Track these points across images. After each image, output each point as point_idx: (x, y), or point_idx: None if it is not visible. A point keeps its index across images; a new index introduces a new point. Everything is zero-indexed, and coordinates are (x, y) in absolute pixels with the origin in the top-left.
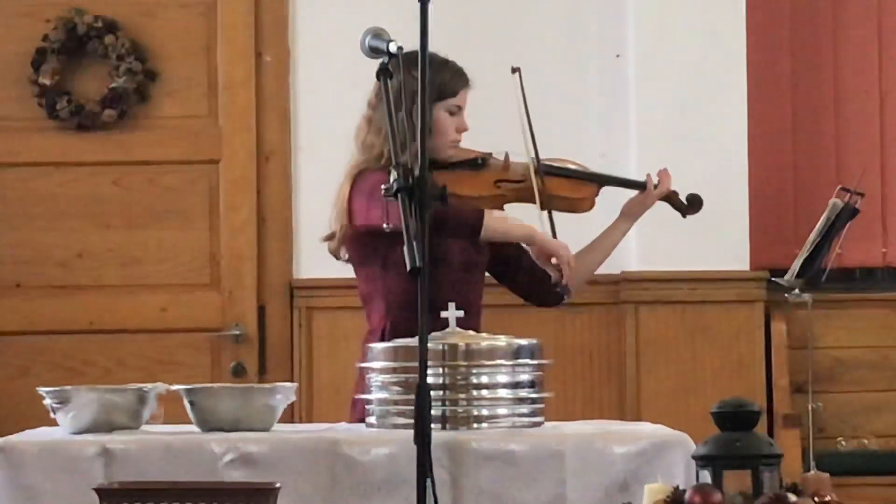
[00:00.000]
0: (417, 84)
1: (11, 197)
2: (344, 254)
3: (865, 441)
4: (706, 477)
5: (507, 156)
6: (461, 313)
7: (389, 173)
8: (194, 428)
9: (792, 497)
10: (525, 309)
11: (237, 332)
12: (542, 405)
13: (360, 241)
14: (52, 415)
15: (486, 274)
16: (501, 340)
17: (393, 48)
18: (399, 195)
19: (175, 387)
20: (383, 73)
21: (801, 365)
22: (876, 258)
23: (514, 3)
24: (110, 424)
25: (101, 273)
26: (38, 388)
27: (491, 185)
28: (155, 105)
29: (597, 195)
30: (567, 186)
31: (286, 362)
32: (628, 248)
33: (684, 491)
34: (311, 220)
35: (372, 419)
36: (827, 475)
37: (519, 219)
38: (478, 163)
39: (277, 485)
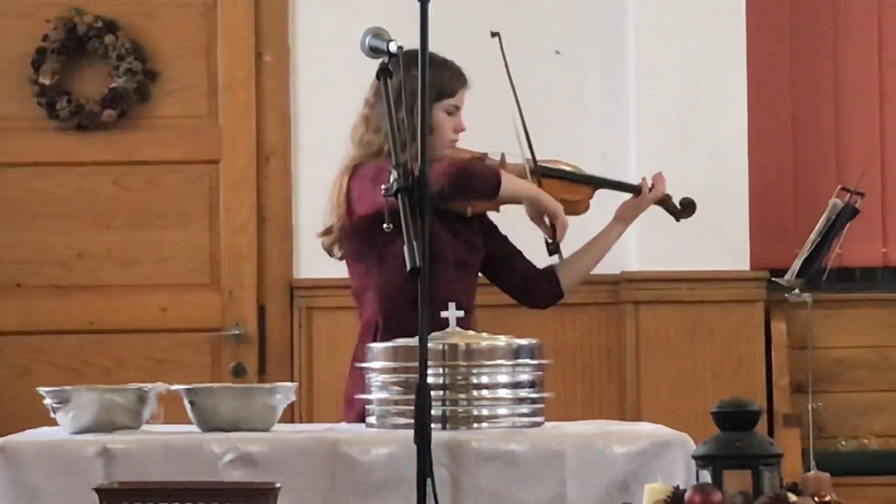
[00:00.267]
0: (416, 83)
1: (11, 197)
2: (338, 251)
3: (865, 441)
4: (706, 477)
5: (503, 157)
6: (461, 313)
7: (390, 173)
8: (194, 428)
9: (792, 497)
10: (525, 309)
11: (237, 332)
12: (542, 405)
13: (357, 233)
14: (52, 415)
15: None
16: (501, 340)
17: (393, 48)
18: (399, 195)
19: (175, 387)
20: (383, 73)
21: (801, 365)
22: (876, 258)
23: (514, 3)
24: (110, 424)
25: (101, 273)
26: (38, 388)
27: None
28: (155, 105)
29: (591, 197)
30: (562, 188)
31: (286, 362)
32: (628, 248)
33: (684, 491)
34: (311, 220)
35: (372, 419)
36: (827, 475)
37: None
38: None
39: (277, 485)
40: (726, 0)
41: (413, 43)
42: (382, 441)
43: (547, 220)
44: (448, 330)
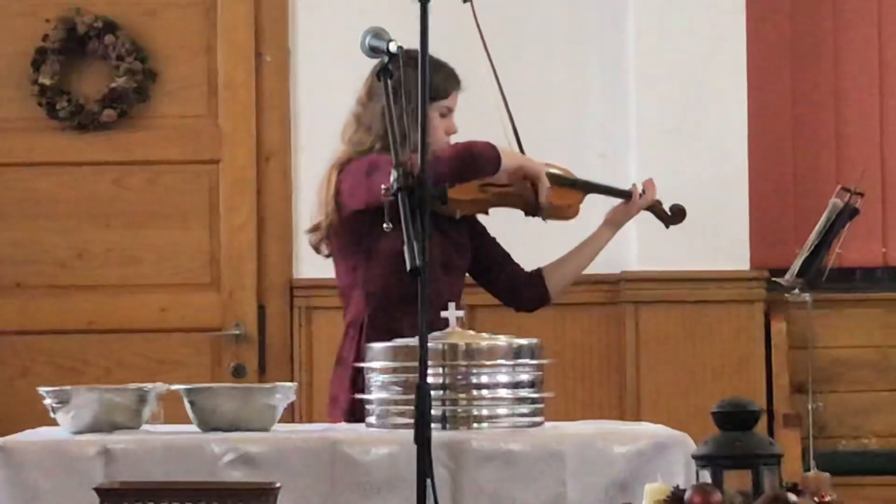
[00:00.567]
0: (411, 83)
1: (11, 197)
2: (325, 248)
3: (865, 441)
4: (706, 477)
5: None
6: (461, 313)
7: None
8: (194, 428)
9: (792, 497)
10: None
11: (237, 332)
12: (542, 405)
13: (345, 230)
14: (52, 415)
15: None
16: (501, 340)
17: (393, 48)
18: (399, 195)
19: (175, 387)
20: (383, 73)
21: (801, 365)
22: (876, 258)
23: (514, 3)
24: (110, 424)
25: (101, 273)
26: (38, 388)
27: (476, 189)
28: (155, 105)
29: (581, 202)
30: (553, 193)
31: (286, 362)
32: (628, 248)
33: (684, 491)
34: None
35: (372, 419)
36: (827, 475)
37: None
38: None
39: (277, 485)
40: (726, 0)
41: (413, 43)
42: (382, 441)
43: (528, 182)
44: (448, 330)
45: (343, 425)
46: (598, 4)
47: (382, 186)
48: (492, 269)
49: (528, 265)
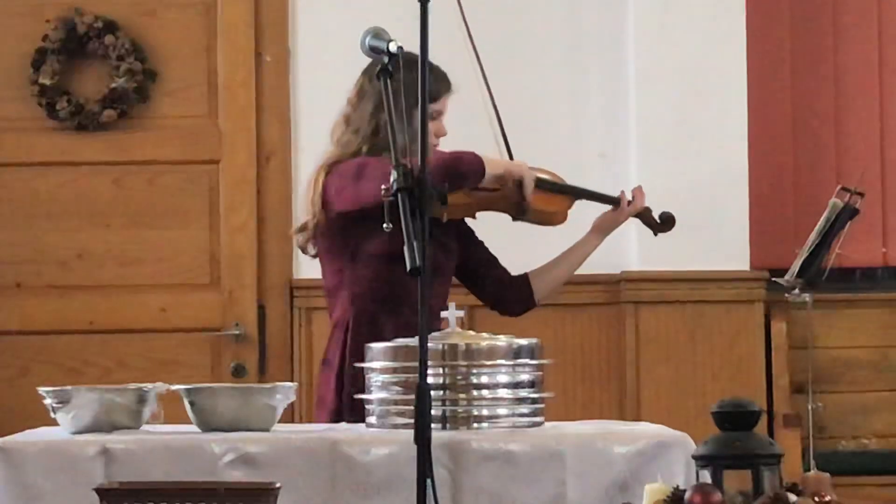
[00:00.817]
0: (402, 86)
1: (11, 197)
2: (312, 248)
3: (865, 441)
4: (706, 477)
5: None
6: (461, 313)
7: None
8: (194, 428)
9: (792, 497)
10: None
11: (237, 332)
12: (542, 405)
13: (331, 231)
14: (52, 415)
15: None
16: (501, 340)
17: (393, 48)
18: (399, 195)
19: (175, 387)
20: (383, 73)
21: (801, 365)
22: (876, 258)
23: (514, 3)
24: (110, 424)
25: (101, 273)
26: (38, 388)
27: (464, 193)
28: (155, 105)
29: (570, 208)
30: (540, 199)
31: (286, 362)
32: (628, 248)
33: (684, 491)
34: None
35: (372, 419)
36: (827, 475)
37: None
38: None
39: (277, 485)
40: (726, 0)
41: (413, 42)
42: (382, 441)
43: (512, 182)
44: (448, 330)
45: (343, 425)
46: (598, 4)
47: (382, 187)
48: (479, 273)
49: (516, 270)
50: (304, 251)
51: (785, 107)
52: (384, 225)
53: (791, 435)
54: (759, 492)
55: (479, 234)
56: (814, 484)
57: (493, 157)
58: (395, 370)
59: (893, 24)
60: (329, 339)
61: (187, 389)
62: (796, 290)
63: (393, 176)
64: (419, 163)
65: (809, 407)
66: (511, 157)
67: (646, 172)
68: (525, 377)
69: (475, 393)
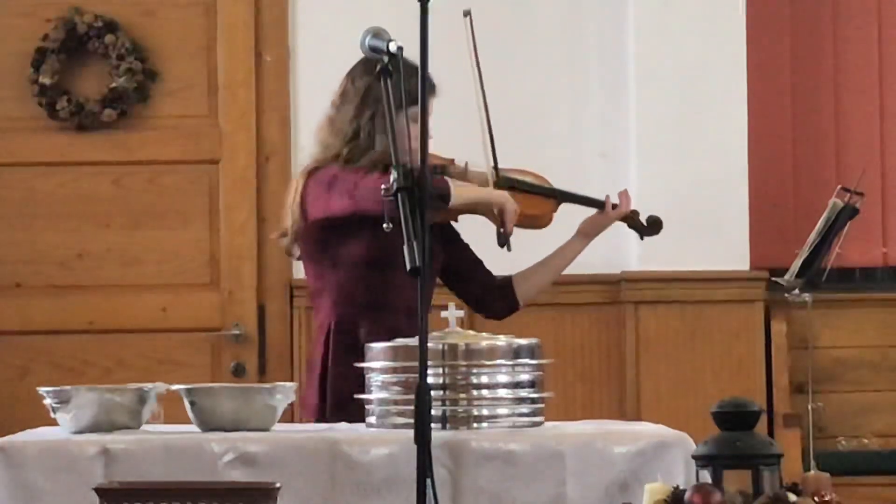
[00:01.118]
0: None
1: (11, 197)
2: (296, 251)
3: (865, 441)
4: (706, 477)
5: (466, 165)
6: (461, 313)
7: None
8: (194, 428)
9: (792, 497)
10: (525, 308)
11: (237, 332)
12: (542, 405)
13: (312, 235)
14: (52, 415)
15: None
16: (501, 340)
17: (393, 48)
18: (399, 195)
19: (175, 387)
20: (384, 73)
21: (801, 365)
22: (876, 258)
23: (514, 3)
24: (110, 424)
25: (101, 273)
26: (38, 388)
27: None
28: (155, 105)
29: (555, 211)
30: (525, 201)
31: (286, 362)
32: (628, 248)
33: (684, 491)
34: None
35: (372, 419)
36: (827, 475)
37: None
38: (435, 171)
39: (277, 485)
40: (726, 0)
41: (413, 42)
42: (382, 441)
43: (496, 210)
44: (448, 330)
45: (343, 425)
46: (598, 4)
47: (382, 186)
48: (463, 276)
49: (503, 273)
50: (290, 254)
51: (785, 107)
52: (384, 225)
53: (791, 435)
54: (758, 492)
55: (466, 237)
56: (814, 484)
57: (468, 186)
58: (395, 370)
59: (893, 24)
60: (314, 342)
61: (187, 389)
62: (796, 290)
63: (393, 176)
64: (420, 163)
65: (809, 407)
66: (496, 163)
67: (646, 172)
68: (525, 377)
69: (475, 393)
